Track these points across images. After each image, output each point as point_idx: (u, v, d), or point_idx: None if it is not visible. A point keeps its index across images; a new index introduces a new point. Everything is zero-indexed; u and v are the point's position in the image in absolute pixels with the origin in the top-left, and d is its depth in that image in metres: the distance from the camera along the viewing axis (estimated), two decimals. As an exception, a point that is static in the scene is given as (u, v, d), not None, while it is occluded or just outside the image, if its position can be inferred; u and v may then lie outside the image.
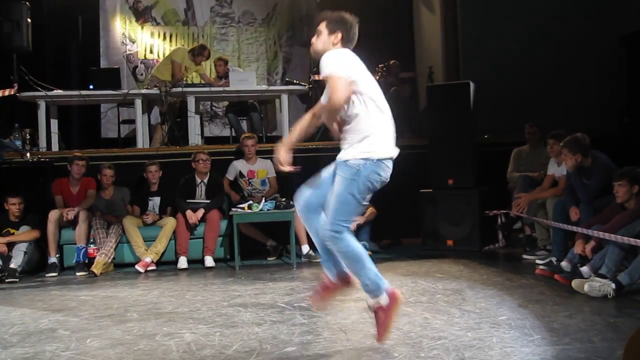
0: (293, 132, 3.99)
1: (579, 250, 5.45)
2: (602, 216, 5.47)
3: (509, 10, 9.40)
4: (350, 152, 3.67)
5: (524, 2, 9.38)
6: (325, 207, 3.73)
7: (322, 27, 3.84)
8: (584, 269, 5.26)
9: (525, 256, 6.76)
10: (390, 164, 3.71)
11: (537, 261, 6.24)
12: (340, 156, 3.73)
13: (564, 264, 5.60)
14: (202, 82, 9.57)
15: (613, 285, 4.78)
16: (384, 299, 3.74)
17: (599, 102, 9.09)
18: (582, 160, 5.82)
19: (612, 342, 3.69)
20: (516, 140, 7.78)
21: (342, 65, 3.59)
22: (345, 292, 3.98)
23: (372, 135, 3.64)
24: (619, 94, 9.56)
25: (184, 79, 9.22)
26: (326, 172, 3.93)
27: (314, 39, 3.88)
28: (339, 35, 3.81)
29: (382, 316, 3.74)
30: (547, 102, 8.81)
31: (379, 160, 3.64)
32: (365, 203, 3.75)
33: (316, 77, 9.31)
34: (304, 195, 3.93)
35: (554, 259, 5.93)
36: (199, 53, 9.38)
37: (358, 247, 3.71)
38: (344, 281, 3.90)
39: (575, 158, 5.81)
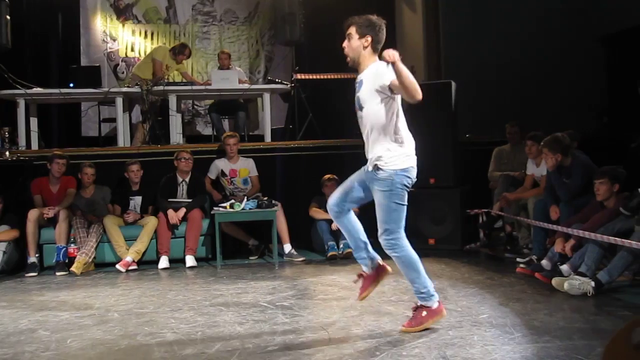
0: None
1: (559, 248, 5.50)
2: (582, 215, 5.53)
3: (490, 10, 9.47)
4: (386, 162, 3.88)
5: (505, 2, 9.44)
6: (378, 226, 3.98)
7: (352, 31, 4.04)
8: (564, 268, 5.31)
9: (506, 254, 6.82)
10: (415, 165, 3.99)
11: (518, 259, 6.28)
12: (374, 167, 3.93)
13: (544, 262, 5.65)
14: (184, 80, 9.52)
15: (592, 284, 4.83)
16: (434, 304, 4.02)
17: (579, 101, 9.17)
18: (562, 159, 5.87)
19: (591, 340, 3.73)
20: (497, 140, 7.83)
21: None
22: (383, 279, 4.30)
23: (406, 145, 3.94)
24: (599, 93, 9.66)
25: (165, 77, 9.16)
26: (356, 177, 4.16)
27: (345, 44, 4.08)
28: (369, 38, 4.01)
29: (422, 314, 3.99)
30: (528, 101, 8.88)
31: (404, 171, 3.91)
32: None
33: (299, 76, 9.31)
34: (336, 199, 4.19)
35: (534, 258, 5.98)
36: (179, 52, 9.34)
37: (414, 254, 4.01)
38: (380, 270, 4.27)
39: (555, 157, 5.86)
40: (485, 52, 9.21)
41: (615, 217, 5.14)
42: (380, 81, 3.82)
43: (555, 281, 5.09)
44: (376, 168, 3.90)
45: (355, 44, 4.01)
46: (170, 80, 9.61)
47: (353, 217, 4.24)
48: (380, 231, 3.94)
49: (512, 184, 7.07)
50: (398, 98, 3.89)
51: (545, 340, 3.76)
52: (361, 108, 3.98)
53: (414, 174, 3.96)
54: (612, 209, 5.24)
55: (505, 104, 8.86)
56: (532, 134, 6.70)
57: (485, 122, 8.41)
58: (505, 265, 6.37)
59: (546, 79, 9.14)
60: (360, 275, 4.35)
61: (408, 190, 3.95)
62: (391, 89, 3.80)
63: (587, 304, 4.64)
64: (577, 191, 5.83)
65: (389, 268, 4.27)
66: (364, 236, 4.27)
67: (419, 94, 3.67)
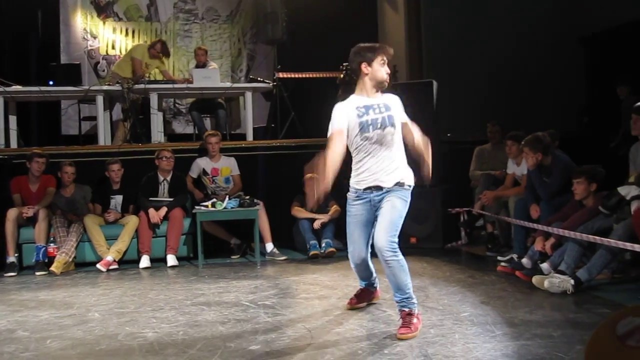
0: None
1: (539, 247, 5.54)
2: (562, 214, 5.58)
3: (471, 10, 9.53)
4: (405, 176, 4.13)
5: (486, 2, 9.51)
6: (382, 227, 4.01)
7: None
8: (544, 266, 5.36)
9: (487, 253, 6.86)
10: None
11: (499, 258, 6.32)
12: (396, 181, 4.10)
13: (524, 260, 5.69)
14: (164, 79, 9.46)
15: (572, 282, 4.88)
16: (416, 308, 4.06)
17: (560, 101, 9.27)
18: (543, 158, 5.92)
19: (571, 338, 3.76)
20: (478, 139, 7.87)
21: None
22: (373, 302, 4.75)
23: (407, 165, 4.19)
24: (579, 94, 9.77)
25: (146, 76, 9.10)
26: (360, 220, 4.23)
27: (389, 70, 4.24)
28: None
29: (413, 320, 3.97)
30: (509, 101, 8.95)
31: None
32: None
33: (281, 75, 9.29)
34: (358, 255, 4.33)
35: (515, 256, 6.02)
36: (152, 46, 9.28)
37: (407, 267, 4.04)
38: (377, 293, 4.78)
39: (536, 157, 5.91)
40: (467, 52, 9.27)
41: (595, 216, 5.19)
42: (399, 116, 4.14)
43: (535, 279, 5.14)
44: (400, 185, 4.08)
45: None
46: (152, 78, 9.56)
47: (370, 264, 4.46)
48: (387, 234, 3.95)
49: (493, 183, 7.12)
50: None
51: (526, 337, 3.79)
52: (387, 126, 4.04)
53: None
54: (592, 208, 5.29)
55: (486, 104, 8.92)
56: (512, 134, 6.74)
57: (466, 122, 8.45)
58: (486, 264, 6.41)
59: (527, 79, 9.22)
60: (362, 290, 4.71)
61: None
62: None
63: (566, 302, 4.68)
64: (557, 190, 5.88)
65: (380, 295, 4.78)
66: (374, 273, 4.60)
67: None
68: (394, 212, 4.00)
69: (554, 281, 4.93)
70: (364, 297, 4.68)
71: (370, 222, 4.19)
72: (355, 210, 4.20)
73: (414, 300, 4.04)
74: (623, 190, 5.03)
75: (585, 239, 4.97)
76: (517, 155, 6.63)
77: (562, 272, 5.02)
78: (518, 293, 5.01)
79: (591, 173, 5.43)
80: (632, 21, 8.60)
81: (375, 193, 4.09)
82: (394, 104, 4.14)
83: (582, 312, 4.38)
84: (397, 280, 3.98)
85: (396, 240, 3.97)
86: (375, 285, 4.70)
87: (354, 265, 4.41)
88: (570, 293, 4.85)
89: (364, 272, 4.52)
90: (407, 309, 3.99)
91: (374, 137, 4.02)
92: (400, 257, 3.97)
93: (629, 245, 4.54)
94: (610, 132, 8.06)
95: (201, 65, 9.38)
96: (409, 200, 4.11)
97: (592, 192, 5.40)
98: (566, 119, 9.21)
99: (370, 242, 4.25)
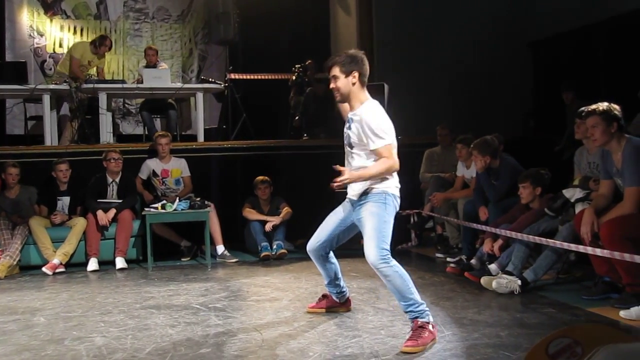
0: None
1: (487, 248, 5.64)
2: (509, 216, 5.69)
3: (423, 14, 9.64)
4: (377, 185, 3.92)
5: (437, 6, 9.64)
6: (368, 238, 3.88)
7: (337, 72, 3.94)
8: (492, 267, 5.46)
9: (437, 254, 6.95)
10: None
11: (448, 259, 6.41)
12: (364, 189, 3.94)
13: (473, 261, 5.78)
14: (97, 77, 9.16)
15: (519, 282, 4.98)
16: (430, 318, 3.82)
17: (508, 105, 9.45)
18: (491, 161, 6.03)
19: (518, 337, 3.84)
20: (428, 142, 7.97)
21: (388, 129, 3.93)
22: (339, 311, 4.55)
23: (394, 177, 3.99)
24: (526, 98, 9.99)
25: (86, 76, 8.82)
26: (336, 216, 4.21)
27: (333, 85, 3.97)
28: (356, 74, 3.92)
29: (424, 333, 3.71)
30: (458, 105, 9.09)
31: (394, 195, 3.96)
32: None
33: (233, 76, 9.25)
34: (317, 244, 4.25)
35: (464, 257, 6.11)
36: (100, 44, 8.93)
37: (404, 272, 3.86)
38: (345, 303, 4.60)
39: (484, 160, 6.01)
40: (418, 55, 9.38)
41: (541, 218, 5.31)
42: (365, 138, 3.87)
43: (483, 280, 5.23)
44: (367, 192, 3.92)
45: (342, 83, 3.93)
46: (98, 77, 9.37)
47: (333, 258, 4.37)
48: (374, 244, 3.81)
49: (443, 185, 7.22)
50: None
51: (474, 337, 3.86)
52: (351, 147, 4.00)
53: (398, 201, 4.00)
54: (538, 210, 5.41)
55: (436, 107, 9.03)
56: (462, 137, 6.85)
57: (416, 125, 8.54)
58: (436, 265, 6.50)
59: (477, 83, 9.37)
60: (325, 295, 4.61)
61: (395, 212, 3.97)
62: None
63: (514, 302, 4.78)
64: (504, 192, 6.00)
65: (351, 307, 4.60)
66: (339, 273, 4.45)
67: (392, 170, 3.90)
68: (372, 218, 3.86)
69: (502, 282, 5.03)
70: (324, 304, 4.57)
71: (343, 221, 4.14)
72: (339, 206, 4.20)
73: (422, 308, 3.81)
74: (568, 192, 5.17)
75: (531, 240, 5.08)
76: (467, 158, 6.74)
77: (509, 273, 5.12)
78: (467, 294, 5.09)
79: (536, 177, 5.56)
80: (579, 28, 8.83)
81: (348, 200, 4.11)
82: (357, 120, 3.91)
83: (529, 312, 4.47)
84: (397, 289, 3.82)
85: (386, 247, 3.83)
86: (339, 292, 4.49)
87: (311, 255, 4.33)
88: (517, 293, 4.95)
89: (319, 265, 4.35)
90: (416, 319, 3.78)
91: (346, 151, 4.07)
92: (394, 264, 3.82)
93: (573, 246, 4.66)
94: (556, 136, 8.26)
95: (152, 65, 9.20)
96: (389, 202, 3.90)
97: (537, 195, 5.53)
98: (513, 123, 9.40)
99: (332, 241, 4.22)
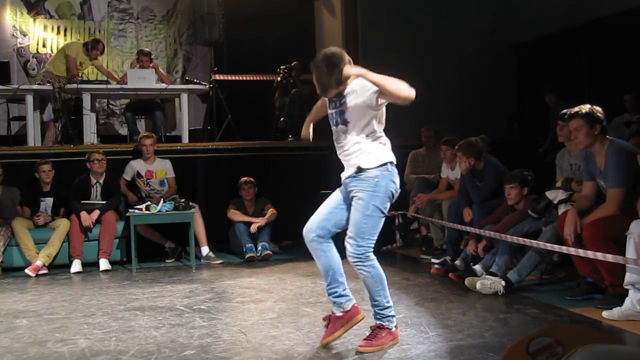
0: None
1: (472, 249, 5.67)
2: (493, 217, 5.72)
3: (408, 16, 9.67)
4: (365, 159, 3.71)
5: (423, 8, 9.67)
6: (349, 229, 3.68)
7: (323, 76, 3.69)
8: (477, 268, 5.49)
9: (421, 255, 6.97)
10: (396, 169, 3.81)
11: (433, 260, 6.43)
12: (357, 168, 3.73)
13: (457, 262, 5.81)
14: (101, 74, 9.21)
15: (503, 283, 5.01)
16: (392, 325, 3.78)
17: (492, 107, 9.51)
18: (476, 163, 6.06)
19: (501, 337, 3.86)
20: (413, 143, 7.99)
21: None
22: (355, 324, 3.82)
23: (388, 147, 3.85)
24: (510, 100, 10.06)
25: (79, 74, 8.87)
26: (334, 198, 3.90)
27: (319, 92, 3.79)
28: (342, 66, 3.68)
29: (382, 334, 3.72)
30: (443, 106, 9.11)
31: (392, 164, 3.76)
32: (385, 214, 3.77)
33: (217, 77, 9.22)
34: (313, 223, 3.82)
35: (448, 258, 6.13)
36: (92, 47, 9.02)
37: (381, 270, 3.74)
38: (353, 312, 3.82)
39: (469, 161, 6.04)
40: (403, 57, 9.39)
41: (524, 219, 5.35)
42: (365, 96, 3.68)
43: (468, 281, 5.25)
44: (359, 169, 3.70)
45: (337, 78, 3.67)
46: (85, 77, 9.34)
47: (333, 248, 3.81)
48: (352, 240, 3.63)
49: (427, 186, 7.25)
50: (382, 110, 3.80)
51: (458, 338, 3.88)
52: (345, 123, 3.76)
53: (398, 181, 3.80)
54: (522, 211, 5.44)
55: (421, 109, 9.03)
56: (446, 139, 6.87)
57: (402, 126, 8.56)
58: (421, 266, 6.52)
59: (461, 85, 9.42)
60: (328, 318, 3.92)
61: (390, 200, 3.76)
62: (379, 100, 3.69)
63: (498, 303, 4.80)
64: (489, 194, 6.03)
65: (363, 312, 3.86)
66: (341, 271, 3.82)
67: (409, 95, 3.70)
68: (356, 212, 3.65)
69: (486, 283, 5.06)
70: (336, 326, 3.80)
71: (343, 200, 3.82)
72: (337, 189, 3.93)
73: (387, 313, 3.74)
74: (551, 194, 5.20)
75: (515, 241, 5.11)
76: (452, 159, 6.76)
77: (493, 274, 5.15)
78: (451, 295, 5.11)
79: (523, 178, 5.60)
80: (561, 31, 8.90)
81: (343, 182, 3.85)
82: (350, 93, 3.74)
83: (512, 313, 4.50)
84: (368, 289, 3.74)
85: (364, 245, 3.63)
86: (349, 300, 3.83)
87: (305, 240, 3.84)
88: (501, 294, 4.97)
89: (317, 254, 3.79)
90: (377, 322, 3.75)
91: (338, 130, 3.85)
92: (369, 264, 3.65)
93: (556, 247, 4.69)
94: (539, 138, 8.32)
95: None
96: (379, 190, 3.66)
97: (524, 196, 5.56)
98: (497, 125, 9.45)
99: (331, 220, 3.79)
